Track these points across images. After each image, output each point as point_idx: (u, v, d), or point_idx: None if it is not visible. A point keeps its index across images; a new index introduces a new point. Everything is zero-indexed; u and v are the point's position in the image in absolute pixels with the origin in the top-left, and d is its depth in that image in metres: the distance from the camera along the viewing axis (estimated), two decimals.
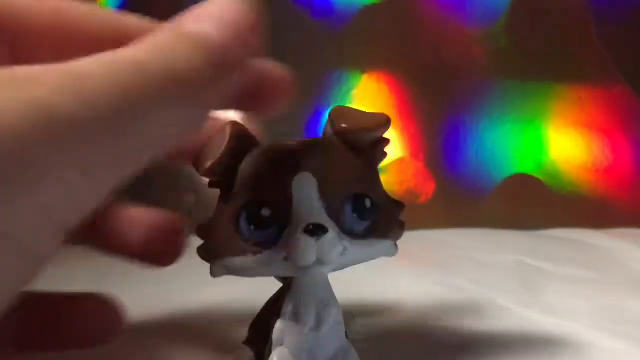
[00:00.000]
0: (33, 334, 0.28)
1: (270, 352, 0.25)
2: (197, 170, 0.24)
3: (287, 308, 0.26)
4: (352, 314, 0.40)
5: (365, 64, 0.99)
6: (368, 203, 0.24)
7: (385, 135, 0.27)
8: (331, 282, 0.27)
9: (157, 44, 0.20)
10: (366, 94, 0.98)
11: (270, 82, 0.29)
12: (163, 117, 0.18)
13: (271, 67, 0.28)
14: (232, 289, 0.55)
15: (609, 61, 0.88)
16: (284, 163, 0.24)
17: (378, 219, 0.25)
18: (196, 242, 0.26)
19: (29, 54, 0.23)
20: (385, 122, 0.25)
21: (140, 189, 0.29)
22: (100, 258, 0.88)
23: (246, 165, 0.24)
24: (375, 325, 0.40)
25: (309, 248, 0.22)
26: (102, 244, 0.33)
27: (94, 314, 0.30)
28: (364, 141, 0.25)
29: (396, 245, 0.26)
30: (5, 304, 0.16)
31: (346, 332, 0.27)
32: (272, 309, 0.28)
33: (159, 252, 0.32)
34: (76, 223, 0.17)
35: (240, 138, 0.25)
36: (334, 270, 0.24)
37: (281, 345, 0.25)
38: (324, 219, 0.23)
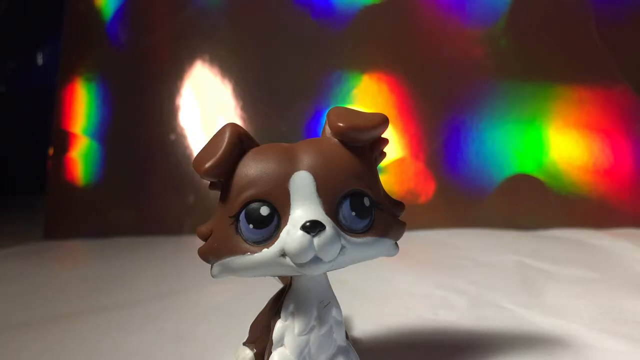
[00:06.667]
0: None
1: (270, 352, 0.25)
2: (197, 171, 0.25)
3: (287, 308, 0.26)
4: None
5: (365, 64, 0.99)
6: (366, 201, 0.24)
7: (385, 136, 0.27)
8: (331, 282, 0.27)
9: None
10: (366, 94, 0.98)
11: None
12: None
13: None
14: (232, 288, 0.56)
15: (609, 61, 0.89)
16: (281, 162, 0.24)
17: (377, 218, 0.25)
18: (196, 242, 0.26)
19: None
20: (382, 121, 0.25)
21: None
22: (103, 263, 0.88)
23: (244, 165, 0.25)
24: (375, 326, 0.40)
25: (306, 245, 0.22)
26: None
27: None
28: (362, 140, 0.26)
29: (397, 244, 0.26)
30: None
31: (346, 332, 0.27)
32: (272, 309, 0.28)
33: None
34: None
35: (239, 139, 0.25)
36: (334, 268, 0.24)
37: (281, 345, 0.25)
38: (321, 216, 0.23)
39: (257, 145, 0.26)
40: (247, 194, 0.24)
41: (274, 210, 0.23)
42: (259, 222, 0.23)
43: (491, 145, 0.92)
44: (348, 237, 0.24)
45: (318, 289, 0.26)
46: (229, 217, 0.24)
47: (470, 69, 0.95)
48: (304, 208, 0.23)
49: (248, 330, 0.32)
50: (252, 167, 0.24)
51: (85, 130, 1.09)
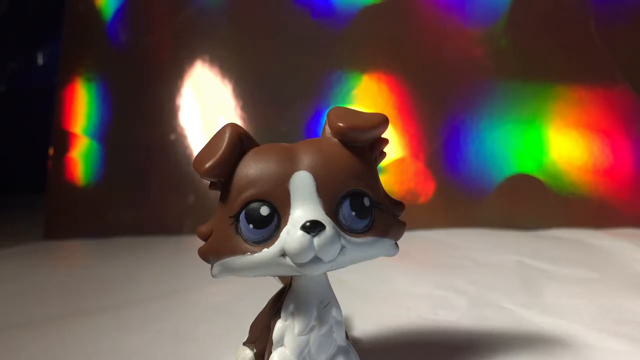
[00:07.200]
0: None
1: (270, 352, 0.25)
2: (197, 171, 0.25)
3: (287, 308, 0.26)
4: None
5: (365, 64, 0.99)
6: (366, 201, 0.24)
7: (385, 136, 0.27)
8: (331, 282, 0.27)
9: None
10: (366, 94, 0.98)
11: None
12: None
13: None
14: (232, 288, 0.56)
15: (609, 61, 0.89)
16: (281, 162, 0.24)
17: (377, 218, 0.25)
18: (196, 242, 0.26)
19: None
20: (382, 121, 0.25)
21: None
22: (103, 263, 0.87)
23: (244, 165, 0.25)
24: (375, 326, 0.40)
25: (306, 245, 0.22)
26: None
27: None
28: (362, 140, 0.26)
29: (397, 244, 0.26)
30: None
31: (346, 332, 0.27)
32: (272, 309, 0.28)
33: None
34: None
35: (239, 139, 0.25)
36: (334, 268, 0.24)
37: (281, 345, 0.25)
38: (321, 216, 0.23)
39: (257, 145, 0.26)
40: (247, 194, 0.24)
41: (274, 210, 0.23)
42: (259, 222, 0.23)
43: (491, 145, 0.92)
44: (348, 237, 0.24)
45: (318, 289, 0.26)
46: (229, 217, 0.24)
47: (470, 69, 0.95)
48: (304, 208, 0.23)
49: (248, 330, 0.32)
50: (252, 167, 0.24)
51: (85, 130, 1.09)
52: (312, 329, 0.25)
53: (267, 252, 0.23)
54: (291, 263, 0.23)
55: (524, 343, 0.36)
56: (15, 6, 1.85)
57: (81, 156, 1.08)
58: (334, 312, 0.26)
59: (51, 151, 1.11)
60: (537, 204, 0.89)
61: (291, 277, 0.26)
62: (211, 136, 0.25)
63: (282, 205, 0.23)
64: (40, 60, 1.91)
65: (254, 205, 0.24)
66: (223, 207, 0.25)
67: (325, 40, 1.00)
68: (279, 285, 0.32)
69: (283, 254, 0.23)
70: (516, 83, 0.92)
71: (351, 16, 0.99)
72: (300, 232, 0.22)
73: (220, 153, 0.24)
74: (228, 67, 1.04)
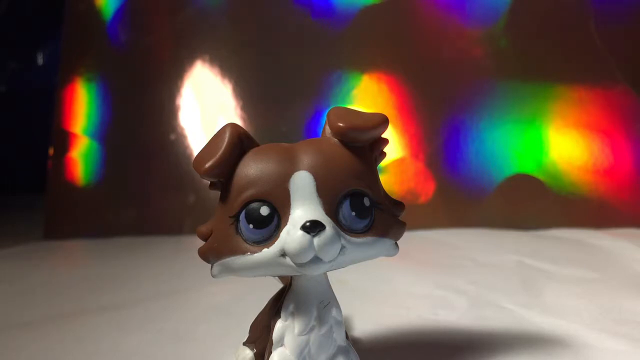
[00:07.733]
0: None
1: (270, 352, 0.25)
2: (197, 171, 0.25)
3: (287, 308, 0.26)
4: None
5: (365, 64, 0.99)
6: (366, 201, 0.24)
7: (385, 136, 0.27)
8: (331, 282, 0.27)
9: None
10: (366, 94, 0.98)
11: None
12: None
13: None
14: (232, 288, 0.56)
15: (609, 61, 0.89)
16: (281, 162, 0.24)
17: (377, 218, 0.25)
18: (196, 242, 0.26)
19: None
20: (382, 121, 0.25)
21: None
22: (103, 263, 0.87)
23: (244, 165, 0.25)
24: (375, 326, 0.40)
25: (306, 245, 0.22)
26: None
27: None
28: (362, 140, 0.26)
29: (397, 244, 0.26)
30: None
31: (346, 332, 0.27)
32: (272, 309, 0.28)
33: None
34: None
35: (239, 139, 0.25)
36: (334, 268, 0.24)
37: (281, 345, 0.25)
38: (321, 216, 0.23)
39: (257, 145, 0.26)
40: (247, 194, 0.24)
41: (274, 210, 0.23)
42: (259, 222, 0.23)
43: (491, 145, 0.92)
44: (348, 237, 0.23)
45: (318, 289, 0.26)
46: (229, 217, 0.24)
47: (470, 69, 0.95)
48: (304, 208, 0.23)
49: (248, 330, 0.32)
50: (252, 167, 0.24)
51: (85, 130, 1.09)
52: (312, 329, 0.25)
53: (267, 252, 0.23)
54: (291, 263, 0.23)
55: (524, 343, 0.36)
56: (15, 6, 1.85)
57: (81, 156, 1.08)
58: (334, 312, 0.26)
59: (51, 151, 1.11)
60: (537, 204, 0.89)
61: (291, 277, 0.26)
62: (211, 136, 0.25)
63: (282, 205, 0.23)
64: (40, 60, 1.91)
65: (254, 205, 0.24)
66: (223, 207, 0.25)
67: (325, 40, 1.00)
68: (279, 285, 0.32)
69: (283, 254, 0.23)
70: (516, 83, 0.92)
71: (351, 16, 0.99)
72: (300, 232, 0.22)
73: (220, 153, 0.24)
74: (228, 67, 1.04)
